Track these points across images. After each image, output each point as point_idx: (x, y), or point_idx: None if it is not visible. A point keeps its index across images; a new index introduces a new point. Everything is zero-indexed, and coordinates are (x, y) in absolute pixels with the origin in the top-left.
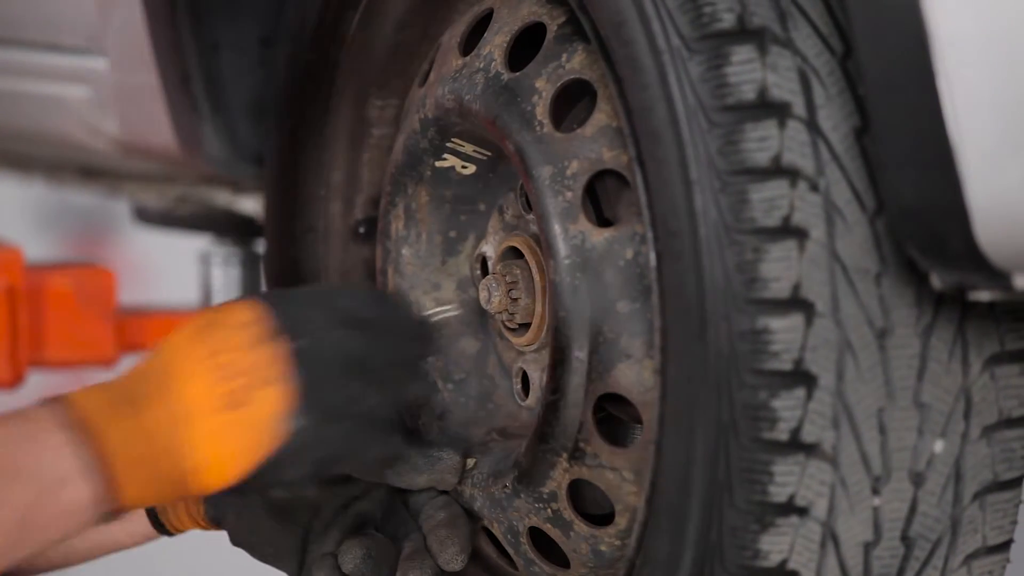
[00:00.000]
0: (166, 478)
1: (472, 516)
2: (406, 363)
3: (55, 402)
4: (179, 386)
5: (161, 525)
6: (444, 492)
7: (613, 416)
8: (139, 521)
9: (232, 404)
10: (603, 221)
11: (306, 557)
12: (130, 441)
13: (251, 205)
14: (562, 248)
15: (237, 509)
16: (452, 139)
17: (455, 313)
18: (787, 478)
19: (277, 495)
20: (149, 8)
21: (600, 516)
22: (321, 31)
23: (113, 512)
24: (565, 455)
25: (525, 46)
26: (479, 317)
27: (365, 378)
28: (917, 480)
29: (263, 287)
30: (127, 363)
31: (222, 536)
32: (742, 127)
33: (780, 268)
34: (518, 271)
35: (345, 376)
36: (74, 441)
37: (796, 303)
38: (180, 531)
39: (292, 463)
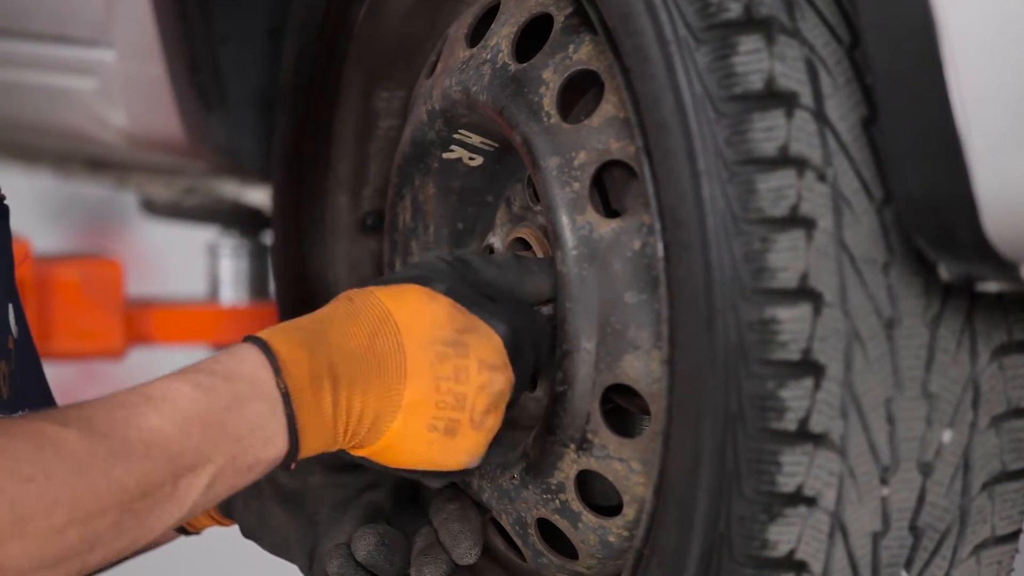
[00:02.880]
0: (340, 445)
1: (480, 507)
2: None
3: (264, 360)
4: (407, 388)
5: (181, 527)
6: (452, 483)
7: (621, 407)
8: None
9: (446, 430)
10: (610, 212)
11: (316, 548)
12: (331, 420)
13: (258, 197)
14: (569, 239)
15: (246, 501)
16: (459, 130)
17: None
18: (795, 468)
19: (286, 485)
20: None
21: (608, 507)
22: (328, 23)
23: (287, 463)
24: (573, 446)
25: (532, 37)
26: None
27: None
28: (925, 470)
29: (270, 279)
30: (135, 355)
31: (223, 537)
32: (749, 117)
33: (788, 258)
34: None
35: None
36: (280, 413)
37: (804, 293)
38: (198, 530)
39: (444, 480)
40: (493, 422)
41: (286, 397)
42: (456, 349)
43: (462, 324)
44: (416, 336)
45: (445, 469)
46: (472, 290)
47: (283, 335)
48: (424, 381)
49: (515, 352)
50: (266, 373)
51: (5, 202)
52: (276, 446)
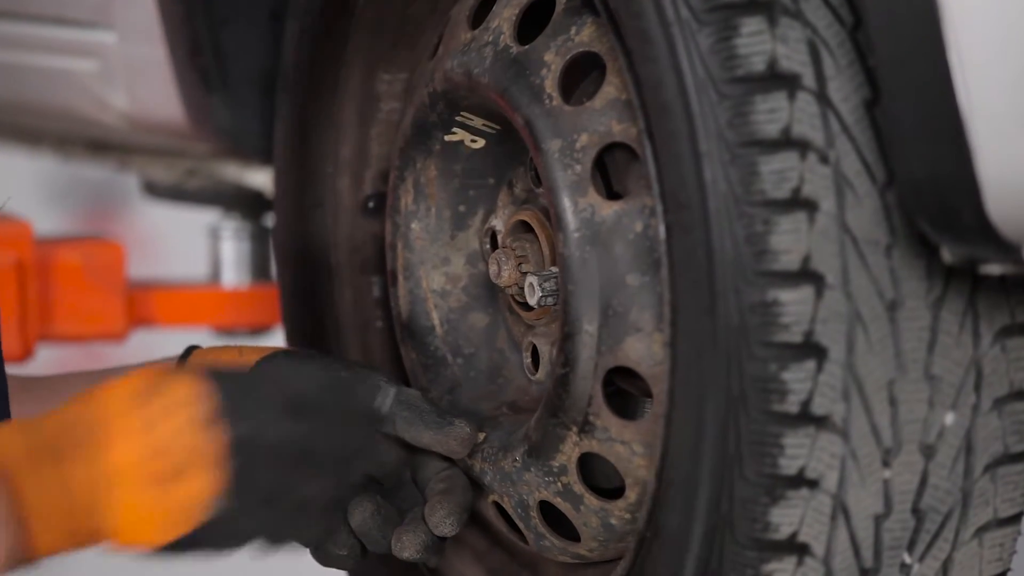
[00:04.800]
0: (82, 534)
1: (482, 490)
2: (354, 450)
3: None
4: (107, 450)
5: None
6: (455, 466)
7: (623, 389)
8: None
9: (157, 481)
10: (612, 194)
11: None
12: (49, 493)
13: (260, 179)
14: (571, 221)
15: None
16: (461, 113)
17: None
18: (797, 450)
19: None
20: None
21: (610, 490)
22: (330, 4)
23: (25, 561)
24: (575, 428)
25: (534, 19)
26: (488, 291)
27: (304, 467)
28: (928, 452)
29: (272, 262)
30: (136, 338)
31: None
32: (752, 99)
33: (790, 240)
34: (528, 245)
35: (281, 466)
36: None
37: (806, 275)
38: None
39: (212, 543)
40: (211, 460)
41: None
42: (153, 395)
43: (161, 373)
44: (116, 394)
45: (192, 526)
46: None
47: (7, 424)
48: (125, 436)
49: (225, 391)
50: None
51: None
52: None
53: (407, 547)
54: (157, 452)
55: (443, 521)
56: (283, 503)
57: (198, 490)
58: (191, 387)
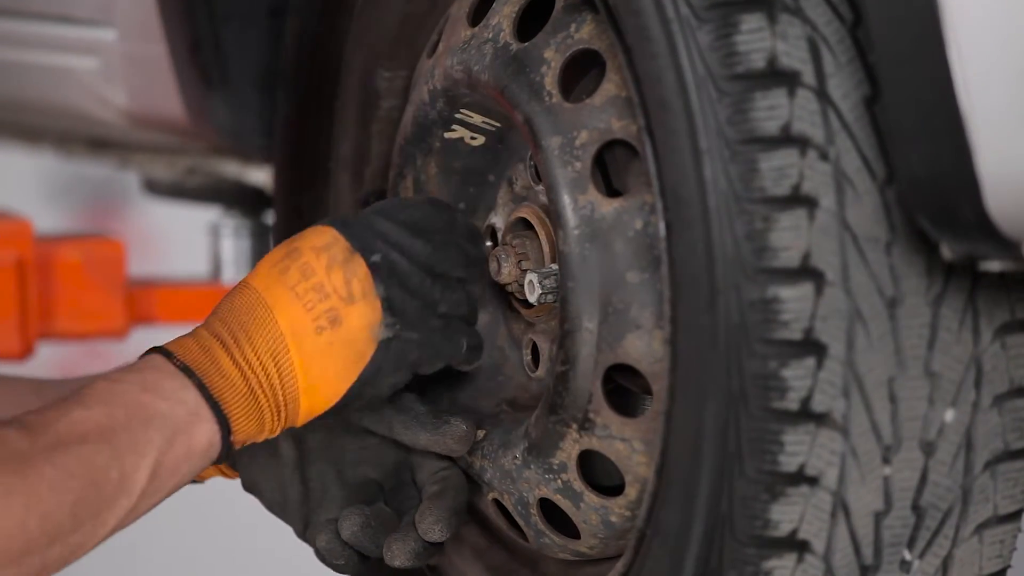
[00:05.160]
0: (276, 406)
1: (482, 487)
2: (470, 263)
3: (155, 355)
4: (277, 314)
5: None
6: (454, 465)
7: (623, 387)
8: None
9: (330, 323)
10: (612, 191)
11: (311, 515)
12: (238, 375)
13: (261, 177)
14: (571, 218)
15: (252, 454)
16: (461, 110)
17: None
18: (797, 448)
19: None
20: None
21: (610, 487)
22: (330, 2)
23: (228, 451)
24: (575, 426)
25: (534, 16)
26: (489, 289)
27: (438, 281)
28: (928, 449)
29: None
30: (137, 335)
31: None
32: (751, 96)
33: (790, 237)
34: (528, 242)
35: (420, 282)
36: (189, 385)
37: (806, 272)
38: (202, 479)
39: (390, 370)
40: (362, 288)
41: (186, 370)
42: (290, 257)
43: (291, 239)
44: (259, 273)
45: (368, 363)
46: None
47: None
48: (284, 300)
49: (349, 229)
50: (161, 359)
51: None
52: (205, 420)
53: (397, 556)
54: (318, 298)
55: (432, 528)
56: (431, 320)
57: (365, 318)
58: (323, 235)
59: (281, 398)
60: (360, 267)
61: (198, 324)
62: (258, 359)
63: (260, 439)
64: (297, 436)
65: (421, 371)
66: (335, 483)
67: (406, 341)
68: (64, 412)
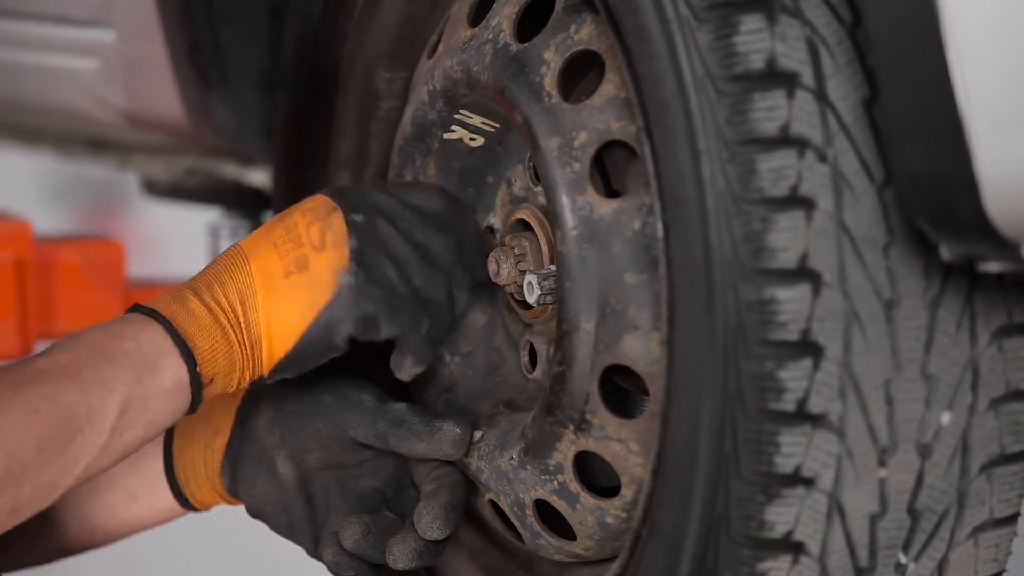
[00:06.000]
0: (243, 348)
1: (479, 488)
2: (462, 264)
3: (134, 308)
4: (251, 262)
5: (185, 499)
6: (451, 464)
7: (620, 388)
8: (163, 497)
9: (297, 267)
10: (611, 192)
11: (319, 532)
12: (204, 312)
13: (260, 177)
14: (569, 219)
15: (253, 480)
16: (460, 111)
17: None
18: (793, 449)
19: (291, 468)
20: None
21: (606, 488)
22: (330, 2)
23: (199, 390)
24: (571, 427)
25: (534, 17)
26: (487, 290)
27: (418, 258)
28: (924, 452)
29: None
30: None
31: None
32: (750, 97)
33: (787, 238)
34: (526, 243)
35: (398, 249)
36: (162, 328)
37: (803, 273)
38: (205, 506)
39: (344, 316)
40: (334, 238)
41: (153, 312)
42: (280, 218)
43: (287, 208)
44: (250, 235)
45: (327, 303)
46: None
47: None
48: (261, 250)
49: (341, 195)
50: (134, 313)
51: None
52: (172, 357)
53: (399, 559)
54: (292, 247)
55: (430, 526)
56: (399, 286)
57: (329, 264)
58: (315, 198)
59: (245, 336)
60: (337, 221)
61: None
62: (226, 299)
63: (233, 385)
64: (295, 457)
65: (375, 334)
66: (338, 497)
67: (365, 292)
68: (31, 361)
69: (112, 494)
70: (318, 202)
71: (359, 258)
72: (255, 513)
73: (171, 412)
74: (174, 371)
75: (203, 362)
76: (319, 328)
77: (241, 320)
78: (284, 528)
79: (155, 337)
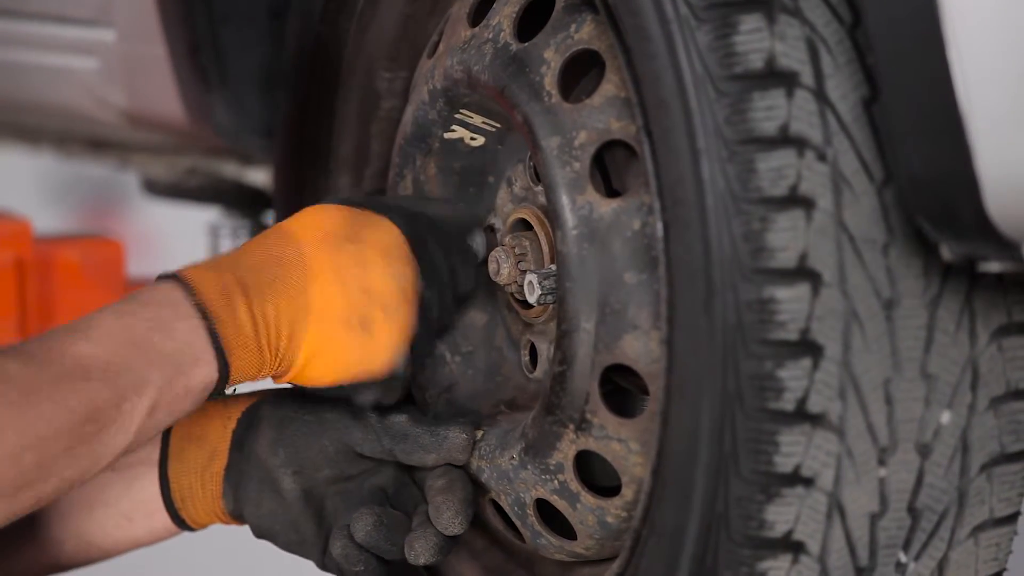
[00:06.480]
0: (274, 367)
1: (480, 488)
2: (454, 273)
3: (175, 285)
4: (312, 286)
5: (182, 521)
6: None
7: (620, 387)
8: (159, 519)
9: (361, 326)
10: (611, 192)
11: (327, 541)
12: (251, 330)
13: (260, 177)
14: (570, 219)
15: (258, 501)
16: (461, 110)
17: None
18: (793, 448)
19: (297, 484)
20: None
21: (606, 487)
22: (331, 2)
23: (219, 390)
24: (572, 426)
25: (534, 17)
26: (487, 289)
27: (454, 309)
28: (924, 451)
29: None
30: None
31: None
32: (750, 96)
33: (787, 238)
34: (527, 243)
35: (444, 316)
36: (200, 327)
37: (803, 273)
38: (201, 526)
39: (375, 391)
40: (406, 315)
41: (202, 311)
42: (353, 242)
43: (357, 219)
44: (311, 236)
45: (370, 374)
46: (369, 200)
47: (192, 266)
48: (328, 276)
49: (418, 243)
50: (179, 294)
51: None
52: (206, 364)
53: (421, 554)
54: (366, 300)
55: (452, 522)
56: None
57: (393, 339)
58: (391, 234)
59: (280, 365)
60: (411, 280)
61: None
62: (276, 321)
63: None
64: (301, 474)
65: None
66: (343, 503)
67: (404, 379)
68: (68, 343)
69: (107, 516)
70: (395, 239)
71: (414, 346)
72: (261, 533)
73: (189, 411)
74: (205, 376)
75: (233, 375)
76: (351, 387)
77: (281, 350)
78: (294, 545)
79: (195, 338)
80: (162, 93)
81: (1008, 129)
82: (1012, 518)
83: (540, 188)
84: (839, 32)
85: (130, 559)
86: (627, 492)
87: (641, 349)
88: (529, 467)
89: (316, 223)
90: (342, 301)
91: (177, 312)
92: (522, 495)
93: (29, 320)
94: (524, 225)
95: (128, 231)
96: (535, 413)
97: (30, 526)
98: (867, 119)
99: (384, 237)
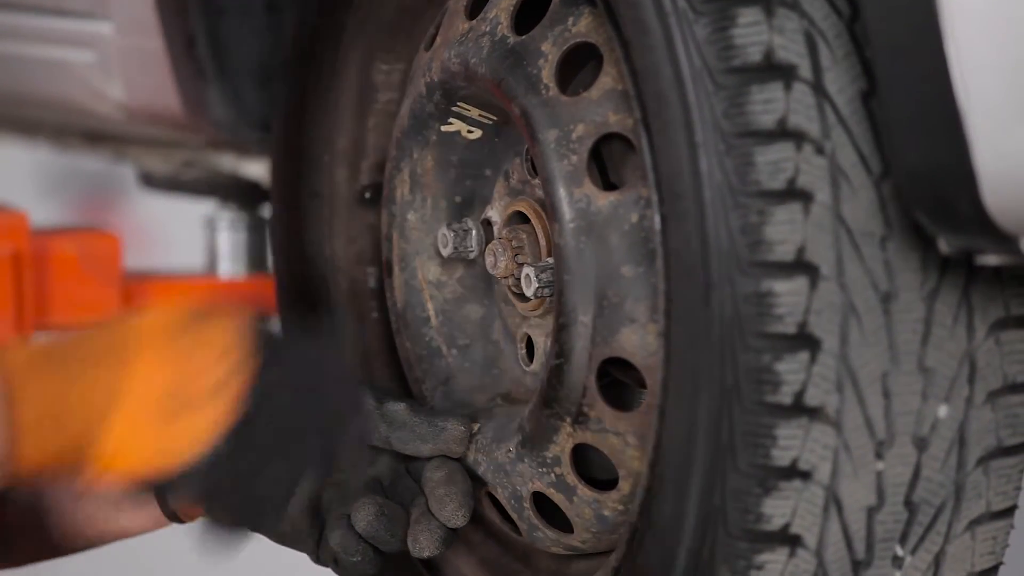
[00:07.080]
0: (68, 453)
1: (476, 481)
2: (342, 456)
3: None
4: (121, 375)
5: (173, 513)
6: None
7: (617, 380)
8: (148, 510)
9: (166, 412)
10: (608, 185)
11: (323, 533)
12: (42, 405)
13: (257, 170)
14: (567, 212)
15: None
16: (458, 103)
17: None
18: (790, 442)
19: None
20: None
21: (603, 481)
22: None
23: (9, 472)
24: (569, 419)
25: (532, 10)
26: (484, 283)
27: (284, 454)
28: (921, 445)
29: (268, 252)
30: None
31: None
32: (748, 89)
33: (785, 231)
34: (524, 236)
35: (268, 449)
36: None
37: (800, 266)
38: (192, 519)
39: (191, 486)
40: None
41: None
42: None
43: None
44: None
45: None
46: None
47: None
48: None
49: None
50: None
51: None
52: None
53: (426, 547)
54: (175, 385)
55: (455, 514)
56: (269, 461)
57: (202, 427)
58: (226, 333)
59: (81, 446)
60: (239, 385)
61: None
62: (81, 399)
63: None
64: None
65: (223, 511)
66: (337, 495)
67: (224, 467)
68: None
69: (96, 505)
70: (231, 341)
71: (241, 427)
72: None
73: None
74: None
75: (20, 455)
76: (160, 485)
77: (85, 426)
78: (287, 538)
79: None
80: (159, 86)
81: (1005, 122)
82: (1009, 512)
83: (537, 181)
84: (837, 25)
85: (127, 558)
86: (624, 485)
87: (638, 342)
88: (526, 460)
89: (158, 312)
90: (150, 387)
91: None
92: (519, 488)
93: (25, 313)
94: (521, 218)
95: (125, 224)
96: (532, 406)
97: (16, 515)
98: (865, 112)
99: (219, 337)
